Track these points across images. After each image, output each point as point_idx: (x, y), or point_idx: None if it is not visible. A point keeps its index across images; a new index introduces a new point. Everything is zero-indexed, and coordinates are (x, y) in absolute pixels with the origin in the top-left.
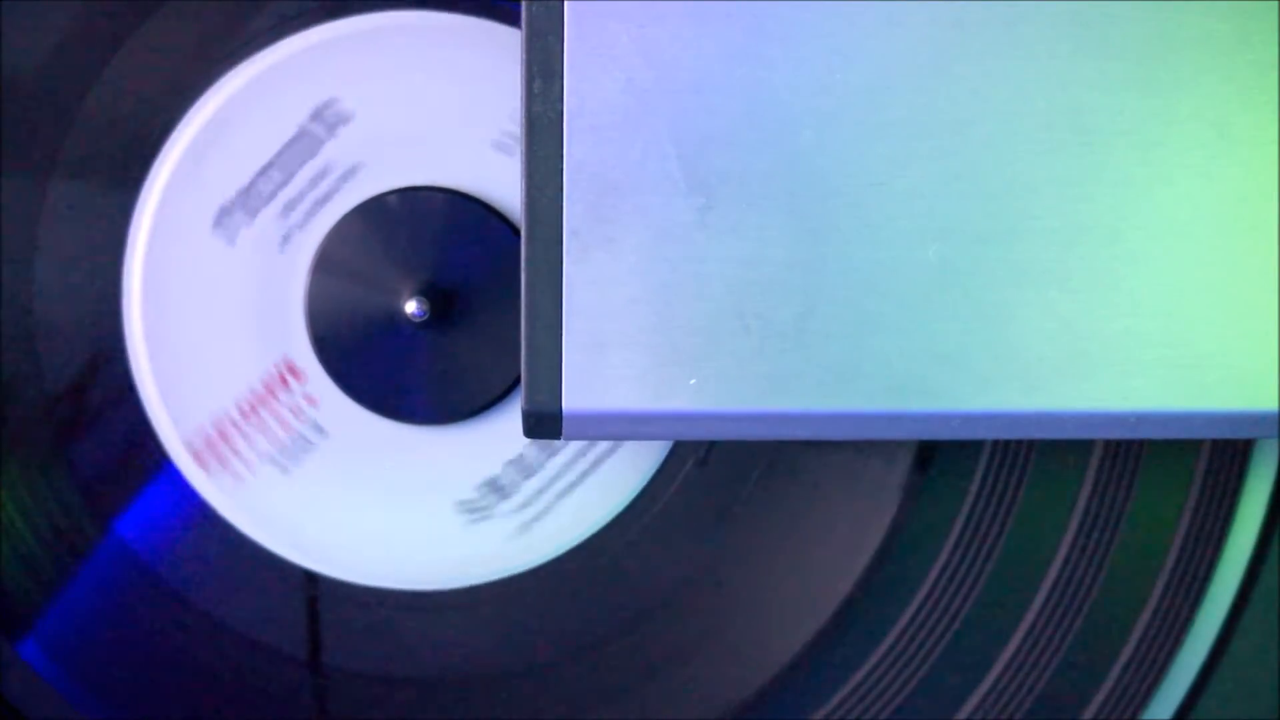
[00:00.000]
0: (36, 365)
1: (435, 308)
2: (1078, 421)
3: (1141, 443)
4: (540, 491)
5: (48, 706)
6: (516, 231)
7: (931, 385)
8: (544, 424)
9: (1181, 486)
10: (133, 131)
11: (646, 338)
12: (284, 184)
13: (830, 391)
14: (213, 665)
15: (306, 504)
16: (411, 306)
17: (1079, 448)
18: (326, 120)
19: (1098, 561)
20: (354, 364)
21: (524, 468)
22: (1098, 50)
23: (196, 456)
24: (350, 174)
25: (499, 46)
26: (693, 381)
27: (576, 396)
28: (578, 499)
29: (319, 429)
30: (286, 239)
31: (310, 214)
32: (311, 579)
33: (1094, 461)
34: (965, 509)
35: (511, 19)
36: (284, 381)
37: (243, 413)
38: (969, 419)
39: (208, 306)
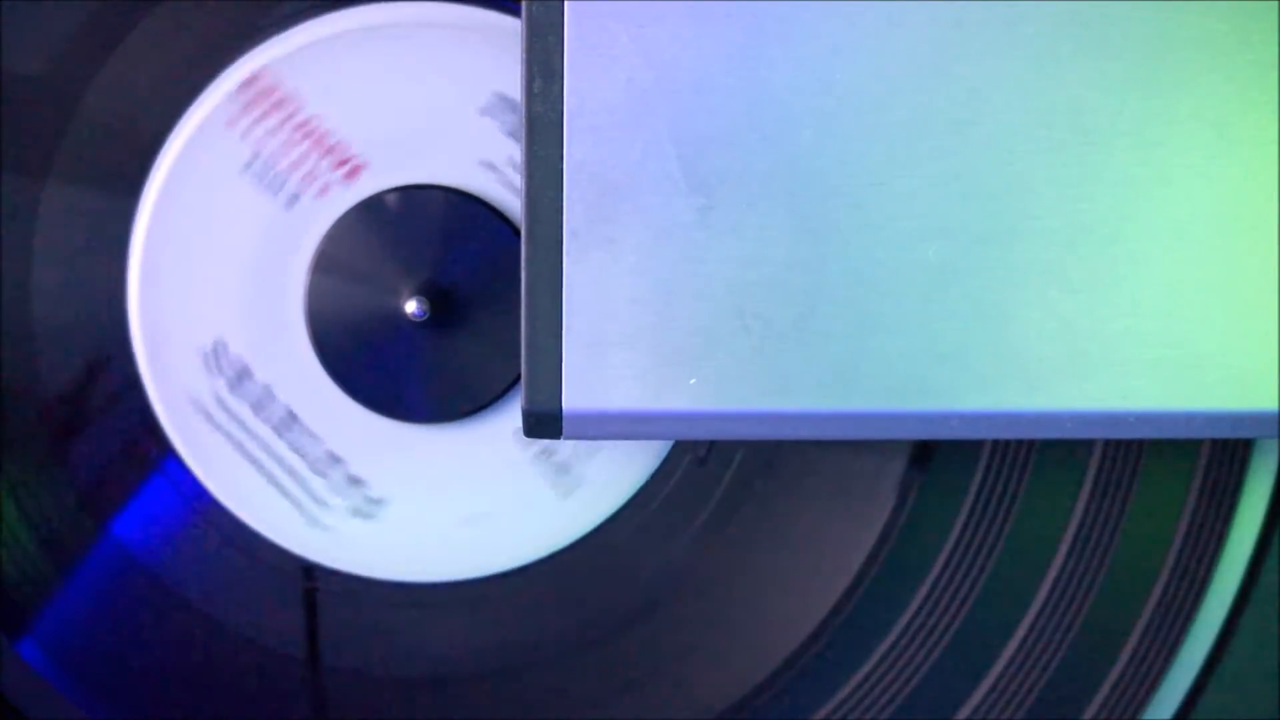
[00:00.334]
0: (34, 366)
1: (435, 308)
2: (1078, 421)
3: (1141, 443)
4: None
5: (47, 705)
6: (516, 231)
7: (931, 385)
8: (544, 423)
9: (1181, 486)
10: (132, 131)
11: (646, 338)
12: (283, 183)
13: (830, 391)
14: (212, 664)
15: (304, 501)
16: (411, 306)
17: (1079, 448)
18: (326, 116)
19: (1098, 561)
20: (354, 364)
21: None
22: (1098, 50)
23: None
24: (349, 172)
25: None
26: (693, 381)
27: (576, 396)
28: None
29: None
30: (284, 237)
31: (310, 212)
32: (310, 575)
33: (1094, 461)
34: (965, 509)
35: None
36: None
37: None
38: (969, 419)
39: (207, 305)
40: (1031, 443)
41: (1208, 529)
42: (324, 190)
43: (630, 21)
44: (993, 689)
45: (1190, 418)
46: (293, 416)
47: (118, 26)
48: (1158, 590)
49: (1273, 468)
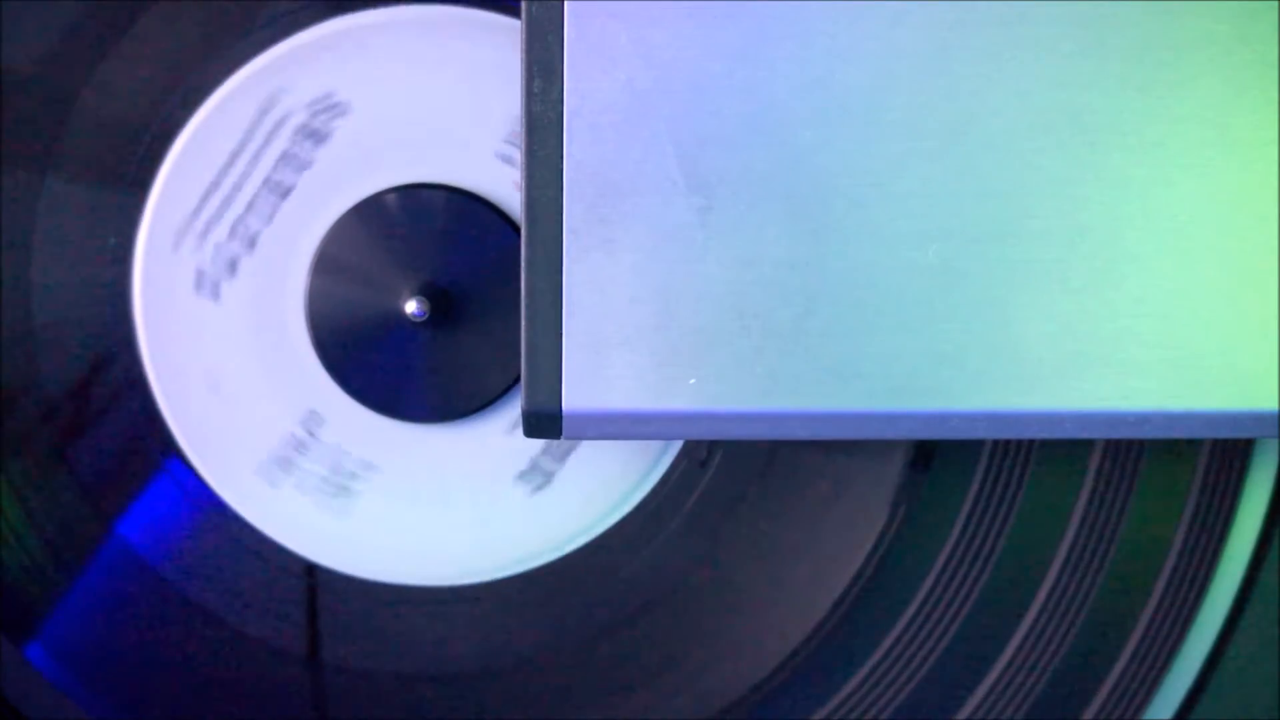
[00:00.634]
0: (36, 366)
1: (435, 307)
2: (1078, 421)
3: (1141, 443)
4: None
5: (51, 708)
6: (516, 231)
7: (931, 385)
8: (544, 424)
9: (1181, 486)
10: (133, 128)
11: (646, 338)
12: (280, 183)
13: (830, 391)
14: (214, 663)
15: (308, 500)
16: (411, 306)
17: (1079, 448)
18: (324, 115)
19: (1098, 561)
20: (354, 363)
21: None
22: (1098, 50)
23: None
24: (347, 170)
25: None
26: (693, 381)
27: (576, 396)
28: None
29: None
30: (286, 236)
31: (309, 212)
32: (312, 575)
33: (1094, 461)
34: (965, 509)
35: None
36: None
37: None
38: (969, 419)
39: (209, 304)
40: (1031, 443)
41: (1208, 529)
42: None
43: (630, 21)
44: (993, 689)
45: (1190, 418)
46: (294, 414)
47: (118, 22)
48: (1158, 590)
49: (1273, 468)
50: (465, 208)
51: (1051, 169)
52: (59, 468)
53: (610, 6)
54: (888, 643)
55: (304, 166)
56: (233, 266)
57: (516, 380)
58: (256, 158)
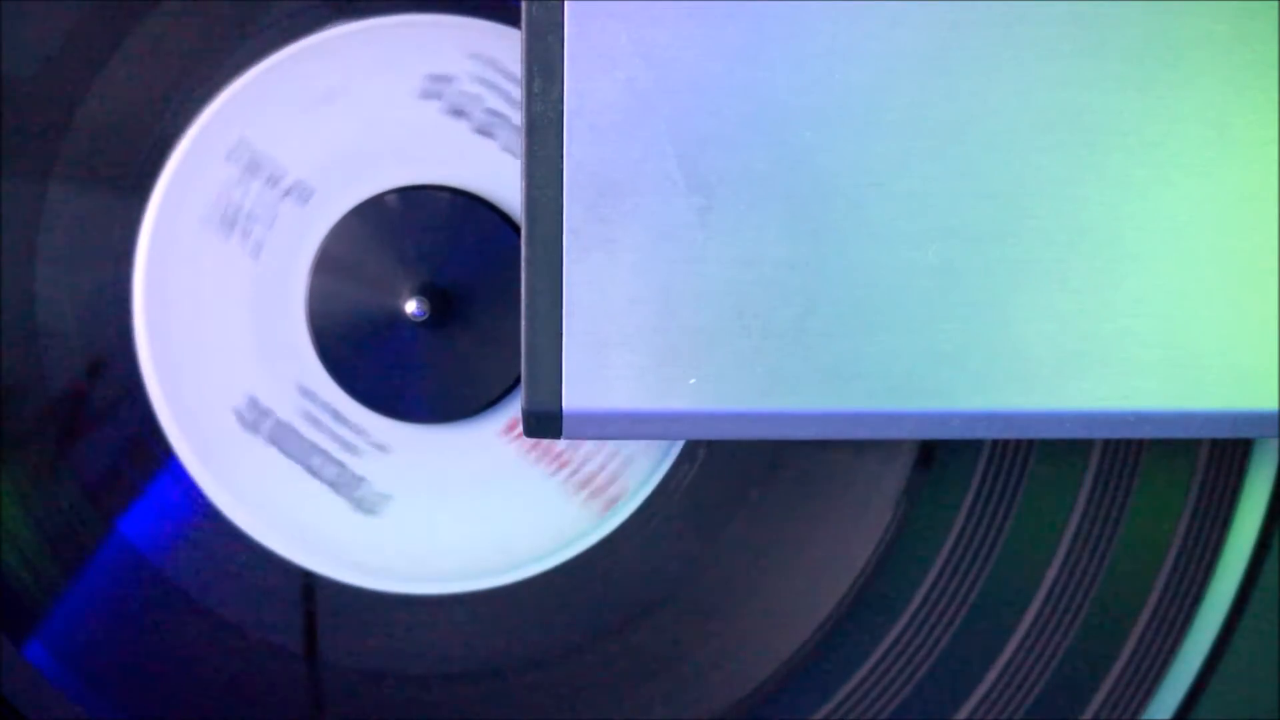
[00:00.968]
0: (38, 366)
1: (435, 308)
2: (1078, 421)
3: (1141, 443)
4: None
5: (51, 707)
6: (516, 231)
7: (931, 385)
8: (544, 424)
9: (1181, 486)
10: (134, 132)
11: (646, 338)
12: (281, 182)
13: (830, 391)
14: (216, 662)
15: (308, 502)
16: (411, 306)
17: (1079, 448)
18: (322, 116)
19: (1098, 561)
20: (354, 363)
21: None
22: (1098, 50)
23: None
24: (344, 174)
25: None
26: (693, 381)
27: (576, 396)
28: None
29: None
30: (286, 238)
31: (307, 215)
32: (311, 576)
33: (1094, 461)
34: (965, 509)
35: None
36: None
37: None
38: (969, 419)
39: (210, 305)
40: (1031, 443)
41: (1208, 529)
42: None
43: (630, 21)
44: (993, 689)
45: (1190, 418)
46: (294, 414)
47: (119, 26)
48: (1158, 590)
49: (1273, 468)
50: (465, 208)
51: (1051, 169)
52: (60, 468)
53: (610, 6)
54: (888, 643)
55: (302, 168)
56: (233, 268)
57: (516, 380)
58: (256, 159)
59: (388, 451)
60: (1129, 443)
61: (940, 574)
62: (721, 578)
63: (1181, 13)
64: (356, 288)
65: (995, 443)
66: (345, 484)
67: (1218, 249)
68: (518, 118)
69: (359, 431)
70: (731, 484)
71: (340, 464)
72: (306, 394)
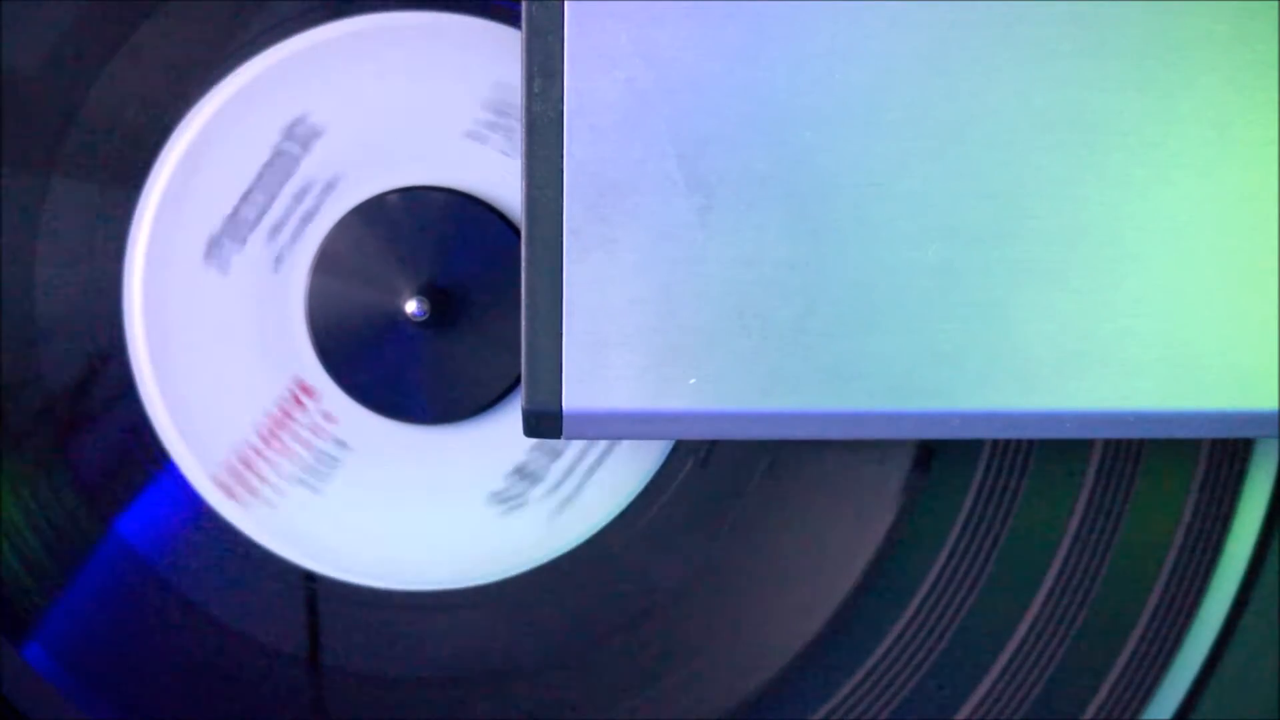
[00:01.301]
0: (36, 365)
1: (435, 308)
2: (1078, 421)
3: (1141, 443)
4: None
5: (48, 706)
6: (516, 231)
7: (931, 385)
8: (544, 423)
9: (1181, 486)
10: (132, 131)
11: (646, 338)
12: (281, 183)
13: (830, 391)
14: (214, 663)
15: (307, 504)
16: (411, 306)
17: (1079, 448)
18: (316, 120)
19: (1098, 561)
20: (354, 364)
21: (526, 473)
22: (1098, 50)
23: (222, 486)
24: (342, 176)
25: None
26: (693, 381)
27: (576, 396)
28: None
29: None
30: (286, 235)
31: (306, 217)
32: (311, 578)
33: (1094, 461)
34: (965, 509)
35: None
36: (298, 402)
37: (262, 439)
38: (969, 419)
39: (207, 306)
40: (1031, 443)
41: (1208, 529)
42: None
43: (630, 21)
44: (993, 689)
45: (1190, 418)
46: (290, 415)
47: (121, 23)
48: (1158, 590)
49: (1273, 468)
50: (465, 208)
51: (1051, 169)
52: (58, 467)
53: (610, 6)
54: (888, 643)
55: (304, 167)
56: (233, 268)
57: (516, 380)
58: (257, 158)
59: (385, 449)
60: (1129, 443)
61: (940, 574)
62: (721, 578)
63: (1181, 13)
64: (356, 288)
65: (995, 443)
66: (343, 482)
67: (1218, 249)
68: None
69: (359, 430)
70: (731, 484)
71: (338, 459)
72: (321, 412)
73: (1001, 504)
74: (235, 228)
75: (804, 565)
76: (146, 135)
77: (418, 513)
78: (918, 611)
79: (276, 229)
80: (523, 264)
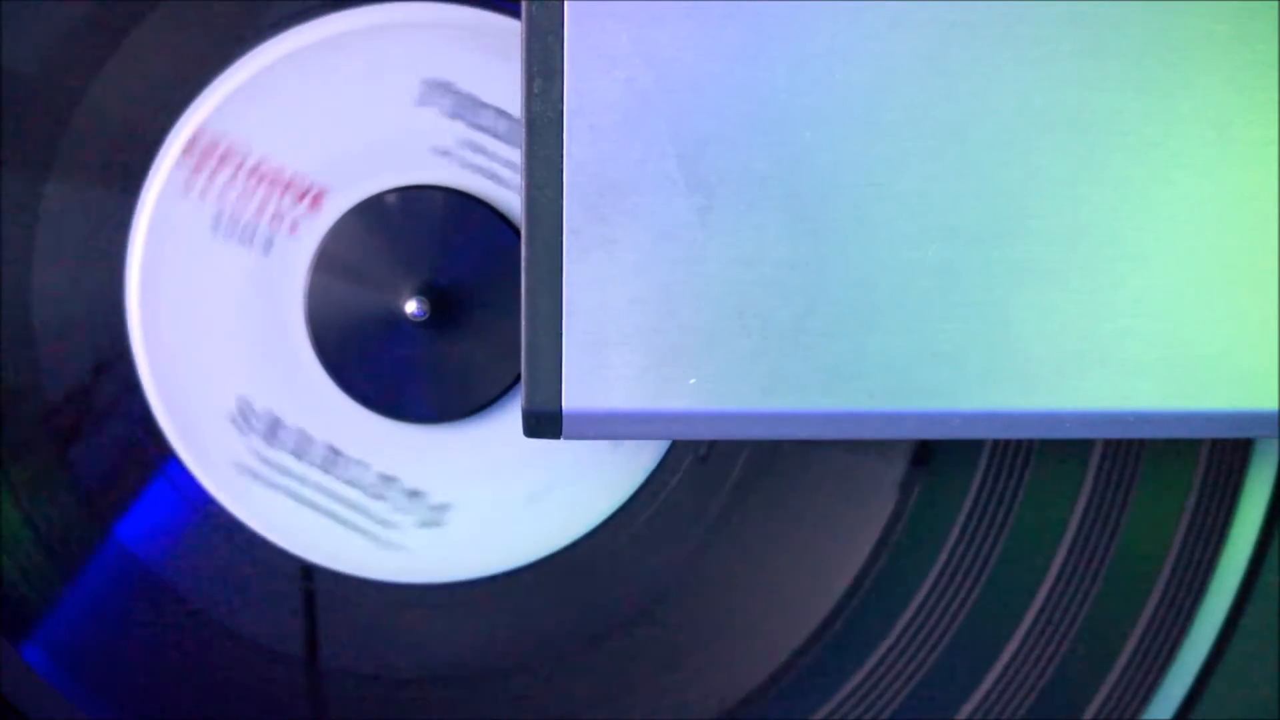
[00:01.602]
0: (35, 368)
1: (435, 308)
2: (1078, 421)
3: (1141, 443)
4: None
5: (49, 707)
6: (516, 231)
7: (931, 385)
8: (544, 423)
9: (1181, 486)
10: (133, 130)
11: (646, 338)
12: (281, 184)
13: (830, 391)
14: (214, 665)
15: (307, 501)
16: (411, 306)
17: (1079, 448)
18: (273, 154)
19: (1098, 561)
20: (353, 363)
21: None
22: (1098, 50)
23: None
24: (312, 202)
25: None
26: (693, 381)
27: (576, 396)
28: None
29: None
30: (285, 239)
31: (304, 218)
32: (309, 576)
33: (1094, 461)
34: (965, 509)
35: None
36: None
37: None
38: (969, 419)
39: (208, 307)
40: (1031, 443)
41: (1208, 529)
42: (294, 228)
43: (630, 21)
44: (993, 689)
45: (1190, 418)
46: (284, 416)
47: (119, 24)
48: (1158, 590)
49: (1273, 468)
50: (465, 208)
51: (1051, 169)
52: (58, 470)
53: (610, 6)
54: (888, 643)
55: (269, 210)
56: (234, 268)
57: (516, 380)
58: (221, 216)
59: (385, 448)
60: (1129, 443)
61: (940, 574)
62: (721, 578)
63: (1181, 13)
64: (356, 288)
65: (995, 443)
66: (340, 476)
67: (1218, 249)
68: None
69: (359, 431)
70: (731, 484)
71: (337, 457)
72: (306, 397)
73: (1001, 504)
74: (234, 228)
75: (803, 565)
76: (144, 136)
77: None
78: (918, 611)
79: (276, 229)
80: (523, 264)
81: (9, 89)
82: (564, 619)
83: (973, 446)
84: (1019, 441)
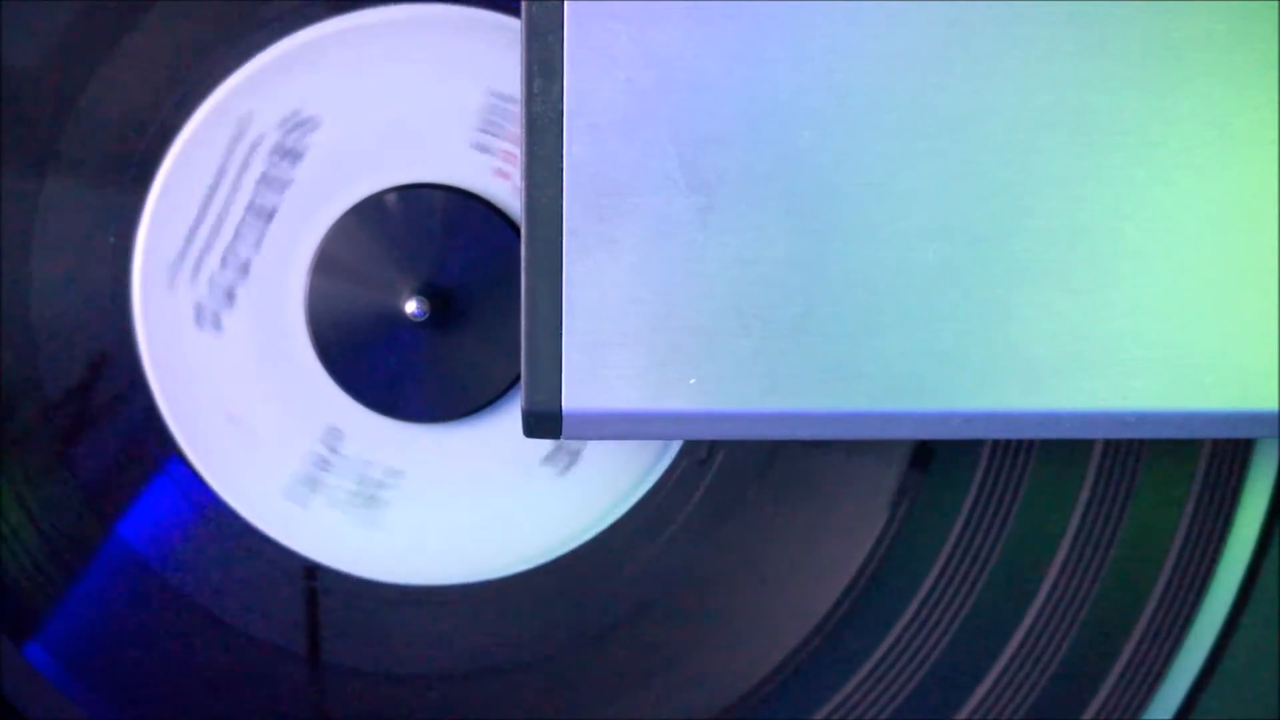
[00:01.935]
0: (37, 367)
1: (435, 308)
2: (1078, 421)
3: (1141, 443)
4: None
5: (51, 708)
6: (516, 231)
7: (931, 385)
8: (544, 424)
9: (1181, 486)
10: (133, 128)
11: (646, 338)
12: (279, 178)
13: (830, 391)
14: (216, 664)
15: (308, 501)
16: (411, 306)
17: (1079, 448)
18: (310, 119)
19: (1098, 561)
20: (354, 363)
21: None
22: (1098, 50)
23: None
24: (340, 173)
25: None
26: (693, 381)
27: (576, 396)
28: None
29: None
30: (286, 239)
31: (305, 216)
32: (312, 575)
33: (1094, 461)
34: (965, 509)
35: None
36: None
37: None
38: (969, 419)
39: (210, 307)
40: (1031, 443)
41: (1208, 529)
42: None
43: (630, 21)
44: (993, 689)
45: (1190, 418)
46: (285, 415)
47: (119, 21)
48: (1158, 590)
49: (1273, 468)
50: (465, 208)
51: (1051, 169)
52: (59, 468)
53: (610, 6)
54: (888, 643)
55: (302, 167)
56: (234, 266)
57: (516, 380)
58: (256, 154)
59: (385, 448)
60: (1129, 443)
61: (940, 574)
62: (721, 578)
63: (1181, 13)
64: (356, 288)
65: (995, 443)
66: (346, 480)
67: (1218, 249)
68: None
69: (360, 430)
70: (731, 484)
71: (336, 457)
72: (306, 396)
73: (1001, 504)
74: (236, 225)
75: (803, 565)
76: (144, 134)
77: (419, 509)
78: (918, 611)
79: (276, 228)
80: (523, 264)
81: (9, 87)
82: (564, 618)
83: (973, 446)
84: (1019, 441)
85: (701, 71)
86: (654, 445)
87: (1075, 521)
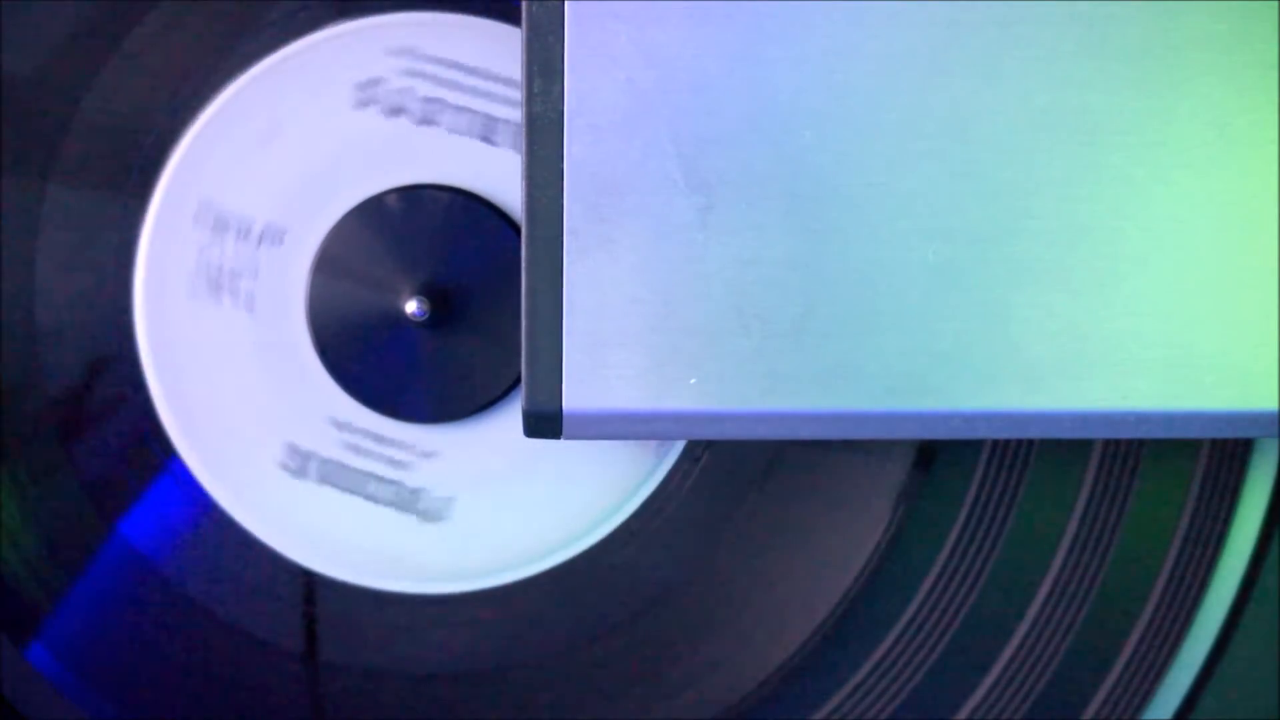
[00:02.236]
0: (39, 367)
1: (435, 308)
2: (1078, 421)
3: (1141, 443)
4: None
5: (51, 708)
6: (517, 231)
7: (931, 385)
8: (544, 424)
9: (1181, 486)
10: (134, 132)
11: (646, 338)
12: (282, 184)
13: (830, 391)
14: (216, 663)
15: (309, 501)
16: (411, 306)
17: (1079, 448)
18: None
19: (1098, 561)
20: (354, 363)
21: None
22: (1098, 50)
23: None
24: (341, 174)
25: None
26: (693, 381)
27: (576, 396)
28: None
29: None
30: (285, 233)
31: (305, 217)
32: (311, 577)
33: (1094, 461)
34: (965, 509)
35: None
36: None
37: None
38: (969, 419)
39: (210, 308)
40: (1031, 443)
41: (1208, 529)
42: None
43: (630, 21)
44: (993, 689)
45: (1190, 418)
46: (286, 415)
47: (119, 26)
48: (1158, 590)
49: (1273, 468)
50: (465, 208)
51: (1051, 169)
52: (60, 468)
53: (610, 6)
54: (888, 643)
55: (303, 167)
56: (235, 268)
57: (517, 380)
58: (255, 157)
59: (385, 448)
60: (1129, 443)
61: (940, 574)
62: (721, 578)
63: (1181, 13)
64: (357, 288)
65: (995, 443)
66: (345, 483)
67: (1218, 249)
68: (455, 99)
69: (358, 428)
70: (731, 484)
71: (335, 459)
72: (305, 396)
73: (1001, 504)
74: (235, 228)
75: (804, 565)
76: (145, 139)
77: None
78: (918, 611)
79: (276, 228)
80: (523, 264)
81: (10, 92)
82: (564, 619)
83: (973, 446)
84: (1019, 441)
85: (701, 71)
86: (655, 446)
87: (1075, 521)
